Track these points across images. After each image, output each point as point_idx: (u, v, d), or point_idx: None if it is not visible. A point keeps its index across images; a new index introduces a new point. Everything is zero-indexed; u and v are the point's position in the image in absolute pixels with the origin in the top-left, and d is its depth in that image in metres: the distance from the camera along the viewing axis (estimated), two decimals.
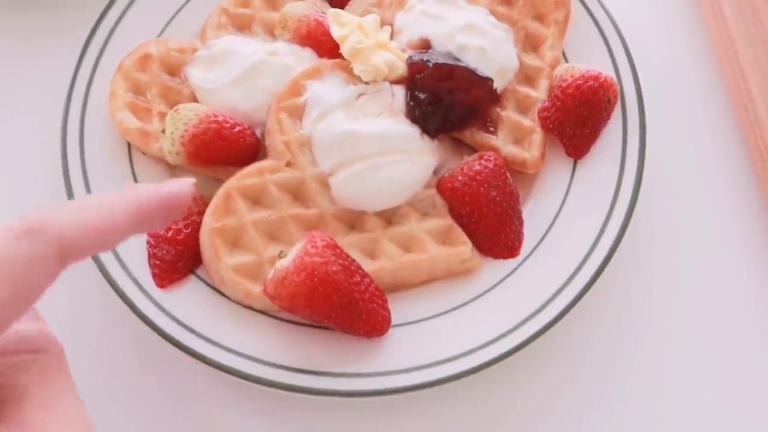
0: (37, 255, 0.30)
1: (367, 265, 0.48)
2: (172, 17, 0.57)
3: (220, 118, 0.50)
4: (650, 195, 0.54)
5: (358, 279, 0.45)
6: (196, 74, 0.53)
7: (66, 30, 0.59)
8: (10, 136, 0.57)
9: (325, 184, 0.49)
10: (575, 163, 0.53)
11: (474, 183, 0.49)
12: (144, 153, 0.52)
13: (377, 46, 0.51)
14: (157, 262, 0.48)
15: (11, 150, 0.57)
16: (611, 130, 0.53)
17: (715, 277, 0.53)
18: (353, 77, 0.51)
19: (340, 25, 0.52)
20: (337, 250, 0.45)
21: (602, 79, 0.52)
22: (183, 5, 0.58)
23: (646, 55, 0.57)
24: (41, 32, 0.61)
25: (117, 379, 0.49)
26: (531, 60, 0.55)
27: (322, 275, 0.44)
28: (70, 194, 0.50)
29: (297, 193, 0.50)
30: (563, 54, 0.56)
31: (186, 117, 0.49)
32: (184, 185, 0.37)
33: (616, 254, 0.49)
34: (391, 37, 0.54)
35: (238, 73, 0.52)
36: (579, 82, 0.52)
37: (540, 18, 0.56)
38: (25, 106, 0.57)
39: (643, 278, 0.53)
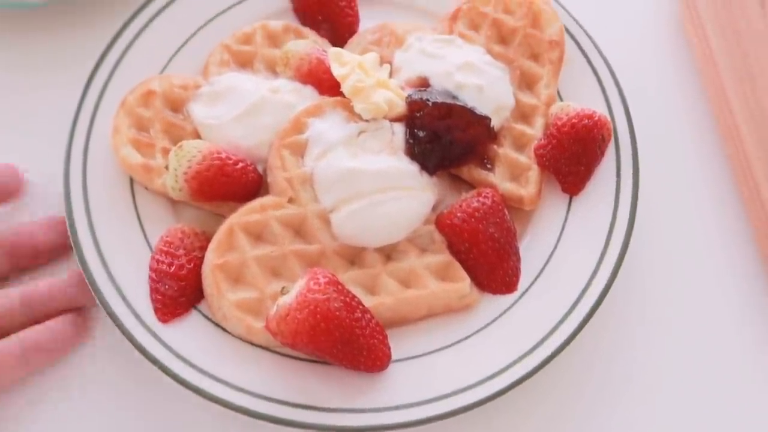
0: None
1: (368, 301, 0.48)
2: (175, 53, 0.58)
3: (223, 155, 0.51)
4: (644, 228, 0.55)
5: (359, 315, 0.46)
6: (199, 110, 0.54)
7: (68, 65, 0.59)
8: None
9: (326, 221, 0.50)
10: (571, 199, 0.54)
11: (472, 219, 0.50)
12: (146, 188, 0.53)
13: (377, 84, 0.53)
14: (159, 297, 0.49)
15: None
16: (605, 167, 0.55)
17: (709, 309, 0.54)
18: (354, 115, 0.53)
19: (341, 64, 0.53)
20: (339, 287, 0.46)
21: (596, 118, 0.53)
22: (185, 42, 0.59)
23: (638, 91, 0.58)
24: (43, 66, 0.61)
25: (118, 414, 0.49)
26: (527, 98, 0.56)
27: (325, 312, 0.44)
28: (73, 229, 0.50)
29: (299, 229, 0.50)
30: (558, 92, 0.58)
31: (189, 153, 0.50)
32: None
33: (611, 289, 0.51)
34: (390, 75, 0.56)
35: (240, 110, 0.53)
36: (574, 120, 0.53)
37: (535, 57, 0.58)
38: (28, 141, 0.57)
39: (637, 312, 0.54)
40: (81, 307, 0.51)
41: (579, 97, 0.57)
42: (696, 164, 0.60)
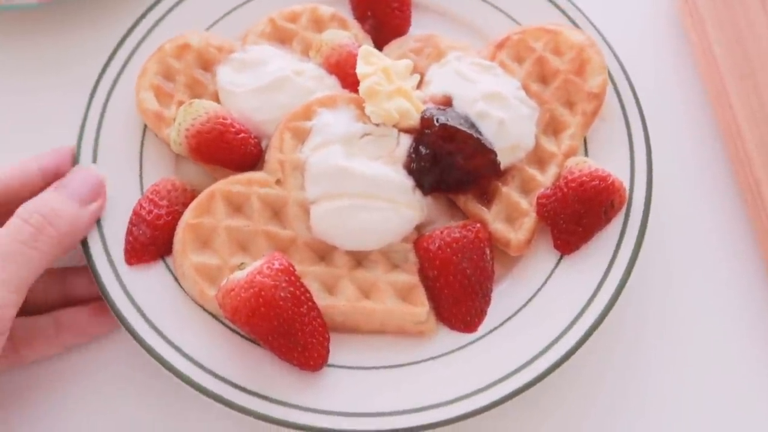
0: None
1: (322, 300, 0.48)
2: (222, 17, 0.59)
3: (228, 121, 0.51)
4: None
5: (305, 310, 0.46)
6: (225, 74, 0.55)
7: (68, 66, 0.60)
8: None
9: (306, 211, 0.50)
10: (561, 256, 0.52)
11: (448, 249, 0.49)
12: (156, 135, 0.55)
13: (396, 92, 0.52)
14: (131, 239, 0.50)
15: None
16: (608, 234, 0.52)
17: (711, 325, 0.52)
18: (365, 116, 0.52)
19: (368, 63, 0.53)
20: (292, 278, 0.46)
21: (609, 182, 0.50)
22: (234, 8, 0.59)
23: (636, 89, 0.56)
24: (43, 67, 0.61)
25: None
26: (548, 144, 0.54)
27: (268, 297, 0.44)
28: (77, 154, 0.53)
29: (278, 212, 0.51)
30: (585, 142, 0.55)
31: (196, 112, 0.51)
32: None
33: (576, 355, 0.48)
34: (419, 86, 0.55)
35: (261, 83, 0.54)
36: (584, 178, 0.50)
37: (570, 105, 0.55)
38: (35, 142, 0.55)
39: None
40: None
41: (605, 155, 0.54)
42: (696, 163, 0.58)
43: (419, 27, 0.60)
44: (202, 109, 0.51)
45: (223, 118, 0.51)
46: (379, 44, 0.59)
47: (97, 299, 0.49)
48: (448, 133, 0.50)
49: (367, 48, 0.54)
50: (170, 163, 0.55)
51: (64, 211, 0.46)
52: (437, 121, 0.50)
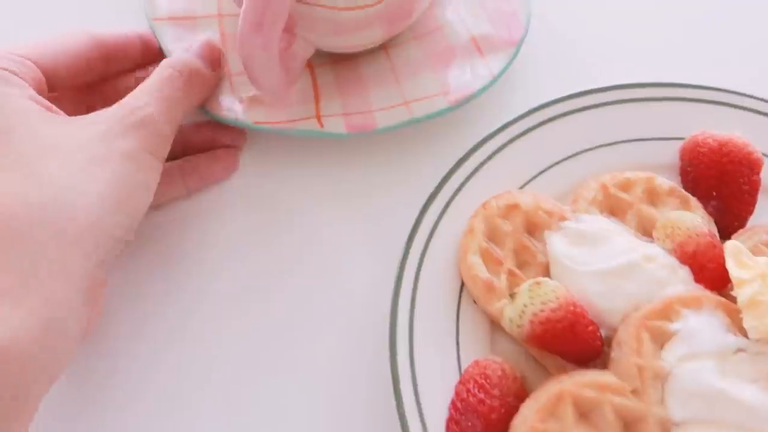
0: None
1: None
2: (540, 172, 0.55)
3: (578, 310, 0.46)
4: None
5: None
6: (559, 245, 0.50)
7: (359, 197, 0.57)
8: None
9: (665, 431, 0.43)
10: None
11: None
12: (475, 302, 0.50)
13: None
14: (455, 428, 0.45)
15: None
16: None
17: None
18: (736, 327, 0.45)
19: (741, 264, 0.46)
20: None
21: None
22: (554, 164, 0.55)
23: None
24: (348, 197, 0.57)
25: None
26: None
27: None
28: (393, 316, 0.48)
29: (630, 426, 0.44)
30: None
31: (546, 296, 0.46)
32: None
33: None
34: None
35: (605, 266, 0.48)
36: None
37: None
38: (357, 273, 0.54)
39: None
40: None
41: None
42: None
43: (763, 214, 0.54)
44: (553, 294, 0.46)
45: (574, 305, 0.46)
46: (721, 230, 0.52)
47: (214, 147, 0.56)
48: None
49: (736, 245, 0.47)
50: (485, 336, 0.49)
51: (202, 71, 0.51)
52: None
